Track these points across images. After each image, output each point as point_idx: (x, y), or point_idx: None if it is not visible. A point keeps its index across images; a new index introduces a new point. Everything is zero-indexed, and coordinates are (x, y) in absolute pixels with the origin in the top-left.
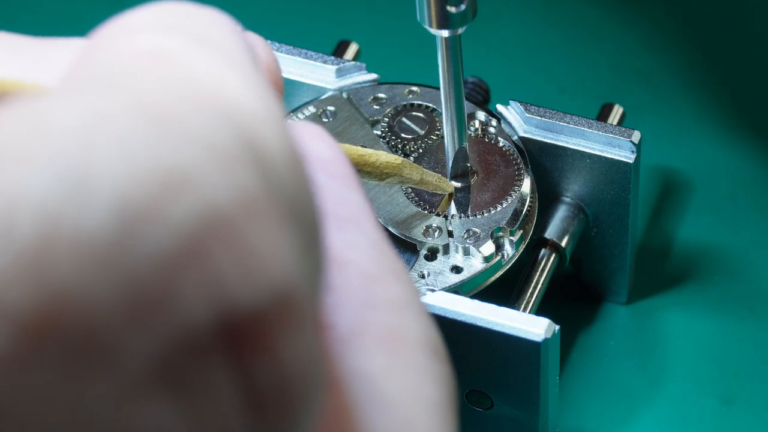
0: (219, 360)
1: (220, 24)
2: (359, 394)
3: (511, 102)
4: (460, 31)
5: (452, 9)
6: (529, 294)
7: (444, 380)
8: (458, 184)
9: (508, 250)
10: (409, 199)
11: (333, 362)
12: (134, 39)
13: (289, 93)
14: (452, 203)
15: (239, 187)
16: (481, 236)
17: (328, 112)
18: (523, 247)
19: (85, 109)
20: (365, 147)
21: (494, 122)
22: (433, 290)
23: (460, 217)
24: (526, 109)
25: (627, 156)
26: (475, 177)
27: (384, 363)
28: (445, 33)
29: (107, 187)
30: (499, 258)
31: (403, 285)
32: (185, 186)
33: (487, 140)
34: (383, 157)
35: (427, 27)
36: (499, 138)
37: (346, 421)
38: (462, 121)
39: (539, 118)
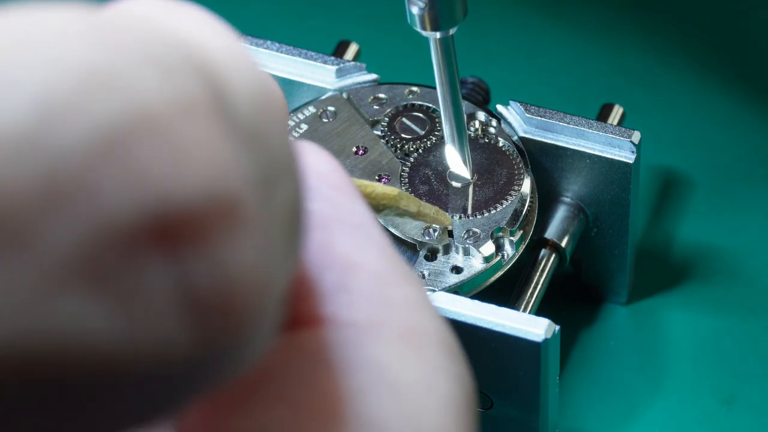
0: (151, 257)
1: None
2: (370, 381)
3: (511, 102)
4: (452, 31)
5: (414, 9)
6: (529, 294)
7: (461, 379)
8: (458, 184)
9: (508, 250)
10: None
11: (347, 349)
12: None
13: (289, 93)
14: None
15: (178, 91)
16: (481, 236)
17: (328, 113)
18: (523, 247)
19: (29, 19)
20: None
21: (494, 122)
22: (433, 290)
23: (460, 217)
24: (526, 110)
25: (627, 156)
26: (475, 177)
27: (399, 355)
28: (437, 35)
29: (33, 82)
30: (499, 258)
31: (415, 287)
32: (115, 85)
33: (487, 140)
34: (379, 188)
35: (418, 30)
36: (499, 138)
37: (352, 404)
38: (461, 122)
39: (539, 118)
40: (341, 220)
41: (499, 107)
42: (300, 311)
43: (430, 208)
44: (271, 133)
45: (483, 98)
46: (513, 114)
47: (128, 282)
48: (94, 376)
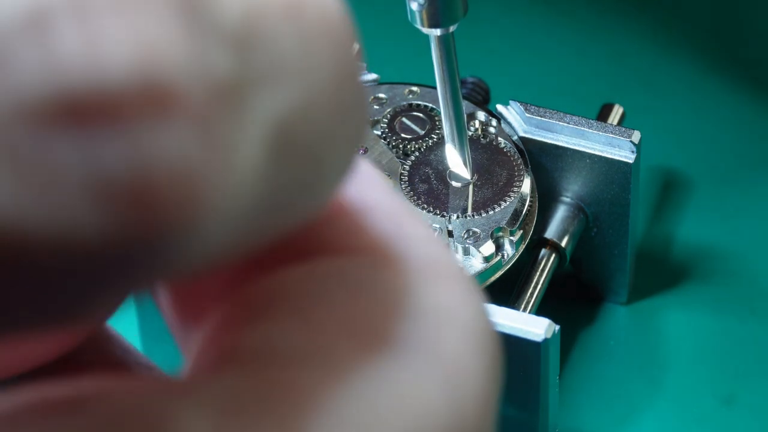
0: (60, 136)
1: None
2: (389, 305)
3: (511, 102)
4: (452, 29)
5: (414, 5)
6: (529, 294)
7: (480, 309)
8: (458, 184)
9: (508, 250)
10: (408, 199)
11: (365, 274)
12: None
13: None
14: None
15: None
16: (481, 236)
17: None
18: (523, 247)
19: None
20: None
21: (494, 122)
22: None
23: (457, 217)
24: (526, 109)
25: (627, 156)
26: (475, 177)
27: (419, 282)
28: (437, 32)
29: None
30: (499, 258)
31: (426, 226)
32: None
33: (487, 140)
34: None
35: (418, 27)
36: (499, 138)
37: (367, 325)
38: (461, 121)
39: (539, 118)
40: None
41: (499, 107)
42: (319, 241)
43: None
44: (273, 40)
45: (483, 98)
46: (513, 114)
47: (36, 159)
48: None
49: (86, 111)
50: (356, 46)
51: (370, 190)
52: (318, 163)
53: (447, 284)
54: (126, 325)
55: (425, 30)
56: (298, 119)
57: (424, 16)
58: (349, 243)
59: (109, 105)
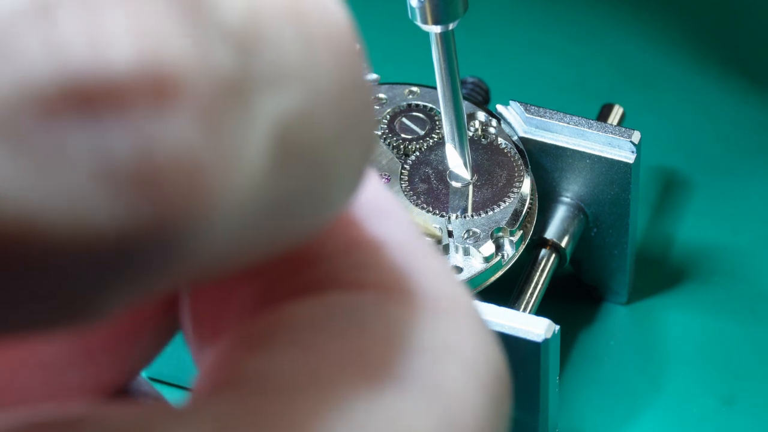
0: (69, 123)
1: None
2: (393, 341)
3: (511, 102)
4: (452, 26)
5: (414, 2)
6: (529, 294)
7: (488, 347)
8: (458, 184)
9: (508, 250)
10: (408, 199)
11: (370, 309)
12: None
13: None
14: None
15: None
16: (481, 236)
17: None
18: (523, 247)
19: None
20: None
21: (494, 122)
22: None
23: (457, 217)
24: (526, 110)
25: (627, 156)
26: (475, 177)
27: (425, 318)
28: (437, 29)
29: None
30: (499, 258)
31: (440, 259)
32: None
33: (487, 140)
34: None
35: (419, 24)
36: (499, 138)
37: (367, 358)
38: (461, 120)
39: (539, 118)
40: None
41: (499, 107)
42: (330, 274)
43: (420, 219)
44: (275, 42)
45: (483, 98)
46: (513, 114)
47: (45, 145)
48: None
49: (92, 98)
50: (359, 48)
51: (384, 219)
52: (324, 169)
53: (455, 320)
54: None
55: (425, 27)
56: (303, 123)
57: (425, 13)
58: (360, 277)
59: (114, 93)
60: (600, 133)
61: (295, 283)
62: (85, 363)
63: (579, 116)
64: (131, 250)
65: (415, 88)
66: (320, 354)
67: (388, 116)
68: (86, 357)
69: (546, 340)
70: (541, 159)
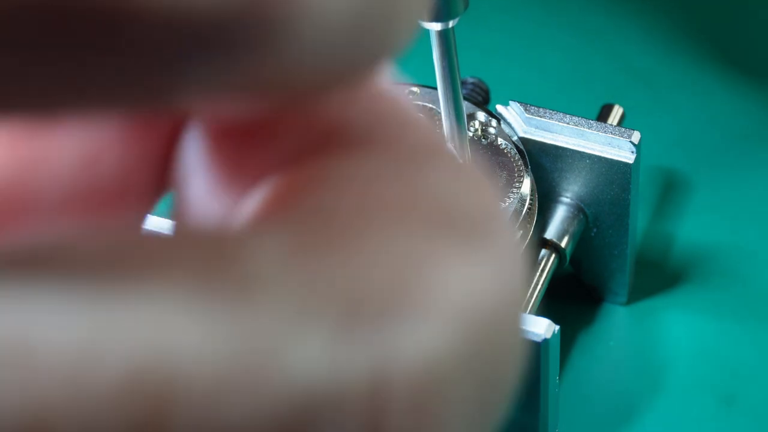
0: None
1: None
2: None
3: (510, 102)
4: (452, 24)
5: None
6: (529, 294)
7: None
8: None
9: None
10: None
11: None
12: None
13: None
14: None
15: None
16: None
17: None
18: (523, 247)
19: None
20: None
21: (494, 122)
22: None
23: None
24: (525, 110)
25: (627, 156)
26: None
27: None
28: (437, 26)
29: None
30: None
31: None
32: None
33: (487, 141)
34: None
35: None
36: (499, 138)
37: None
38: (461, 119)
39: (539, 118)
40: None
41: (499, 107)
42: (358, 136)
43: None
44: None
45: (483, 98)
46: (513, 114)
47: None
48: None
49: None
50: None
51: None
52: None
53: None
54: None
55: (426, 25)
56: None
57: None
58: (399, 137)
59: None
60: (600, 133)
61: (327, 141)
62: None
63: (579, 116)
64: (226, 26)
65: (415, 88)
66: (383, 197)
67: None
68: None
69: (546, 340)
70: (541, 159)
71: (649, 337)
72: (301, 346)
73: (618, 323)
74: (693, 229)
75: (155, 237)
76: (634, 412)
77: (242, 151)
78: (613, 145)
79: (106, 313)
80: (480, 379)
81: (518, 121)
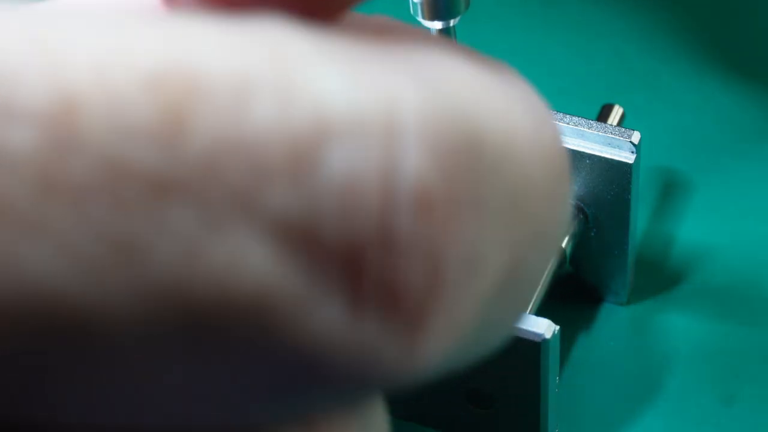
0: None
1: None
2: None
3: None
4: (453, 23)
5: None
6: None
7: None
8: None
9: None
10: None
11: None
12: None
13: None
14: None
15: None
16: None
17: None
18: None
19: None
20: None
21: None
22: None
23: None
24: None
25: (627, 157)
26: None
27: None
28: (438, 25)
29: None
30: None
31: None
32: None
33: None
34: None
35: (420, 20)
36: None
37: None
38: None
39: None
40: None
41: None
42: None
43: None
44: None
45: None
46: None
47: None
48: None
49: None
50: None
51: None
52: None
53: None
54: None
55: (426, 23)
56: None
57: (426, 9)
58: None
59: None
60: (600, 133)
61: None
62: None
63: (579, 116)
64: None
65: None
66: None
67: None
68: None
69: (546, 341)
70: None
71: (649, 337)
72: (321, 76)
73: (618, 323)
74: (693, 229)
75: None
76: (634, 412)
77: None
78: (613, 145)
79: (125, 30)
80: (504, 186)
81: None
